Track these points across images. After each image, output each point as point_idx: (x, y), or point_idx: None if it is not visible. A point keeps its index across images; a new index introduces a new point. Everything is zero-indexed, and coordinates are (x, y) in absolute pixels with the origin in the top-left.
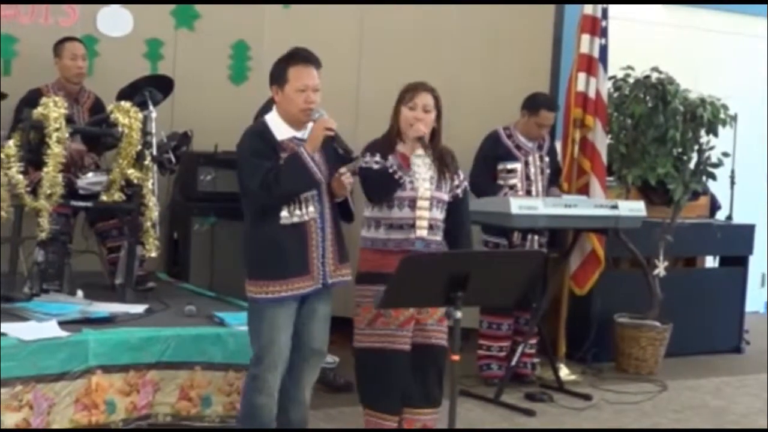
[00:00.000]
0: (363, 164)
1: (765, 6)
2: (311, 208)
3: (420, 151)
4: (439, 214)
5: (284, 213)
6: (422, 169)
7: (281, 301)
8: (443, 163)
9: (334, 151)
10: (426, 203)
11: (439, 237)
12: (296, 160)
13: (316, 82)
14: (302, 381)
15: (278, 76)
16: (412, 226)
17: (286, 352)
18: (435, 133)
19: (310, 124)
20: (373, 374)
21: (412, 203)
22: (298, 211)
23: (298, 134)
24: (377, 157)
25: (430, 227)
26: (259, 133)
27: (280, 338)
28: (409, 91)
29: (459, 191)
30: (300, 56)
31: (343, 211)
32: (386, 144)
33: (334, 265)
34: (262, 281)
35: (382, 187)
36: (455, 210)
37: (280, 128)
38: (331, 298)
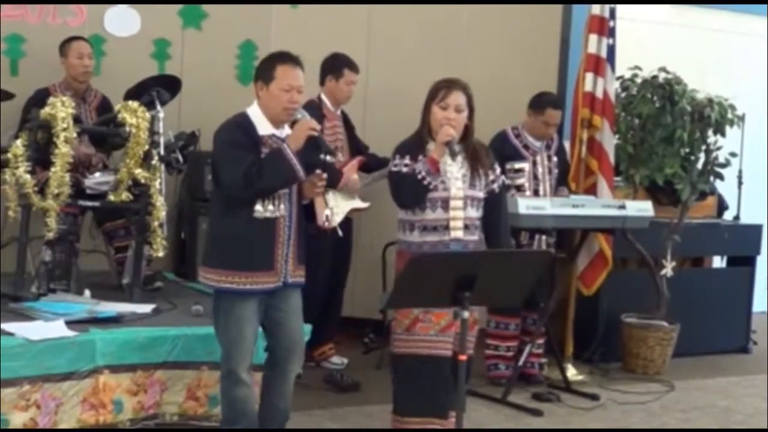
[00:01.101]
0: (393, 168)
1: (766, 6)
2: (282, 206)
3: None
4: (475, 213)
5: (258, 207)
6: (454, 168)
7: (247, 295)
8: (476, 159)
9: (309, 153)
10: (459, 203)
11: (476, 236)
12: (280, 156)
13: (301, 84)
14: (288, 374)
15: (264, 72)
16: (447, 228)
17: (252, 345)
18: (467, 131)
19: (287, 124)
20: (416, 381)
21: (445, 204)
22: (271, 207)
23: (277, 132)
24: (407, 160)
25: (466, 227)
26: (241, 125)
27: (247, 332)
28: (442, 89)
29: (495, 186)
30: (289, 56)
31: (307, 214)
32: (417, 144)
33: (293, 265)
34: (225, 270)
35: (411, 192)
36: (492, 206)
37: (261, 123)
38: (300, 292)
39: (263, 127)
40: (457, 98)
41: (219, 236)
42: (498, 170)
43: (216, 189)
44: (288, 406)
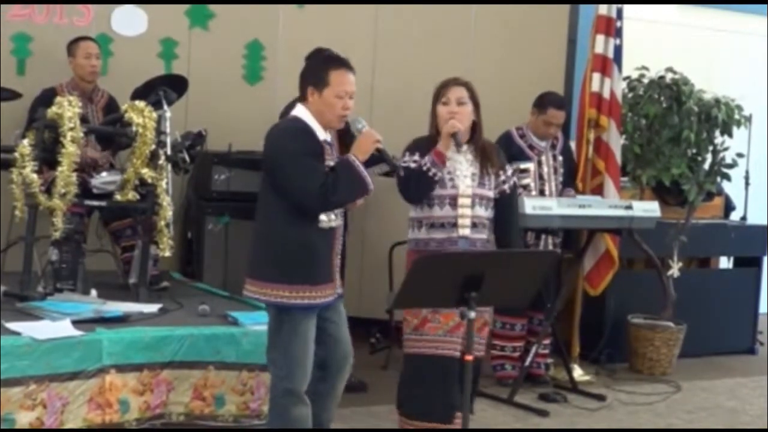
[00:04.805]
0: (402, 164)
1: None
2: (339, 215)
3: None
4: (484, 212)
5: (323, 217)
6: (463, 165)
7: (313, 309)
8: (486, 158)
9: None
10: (467, 201)
11: (484, 235)
12: (352, 169)
13: (354, 89)
14: (338, 388)
15: (317, 77)
16: (454, 225)
17: (312, 362)
18: (475, 126)
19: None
20: (423, 381)
21: (453, 201)
22: (333, 216)
23: (327, 137)
24: (416, 156)
25: (474, 225)
26: (304, 131)
27: (310, 351)
28: (442, 88)
29: (506, 187)
30: (341, 61)
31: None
32: (428, 143)
33: (339, 274)
34: (292, 286)
35: (418, 186)
36: (503, 206)
37: (317, 129)
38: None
39: (319, 133)
40: (457, 92)
41: (282, 248)
42: (509, 171)
43: (277, 199)
44: (332, 417)
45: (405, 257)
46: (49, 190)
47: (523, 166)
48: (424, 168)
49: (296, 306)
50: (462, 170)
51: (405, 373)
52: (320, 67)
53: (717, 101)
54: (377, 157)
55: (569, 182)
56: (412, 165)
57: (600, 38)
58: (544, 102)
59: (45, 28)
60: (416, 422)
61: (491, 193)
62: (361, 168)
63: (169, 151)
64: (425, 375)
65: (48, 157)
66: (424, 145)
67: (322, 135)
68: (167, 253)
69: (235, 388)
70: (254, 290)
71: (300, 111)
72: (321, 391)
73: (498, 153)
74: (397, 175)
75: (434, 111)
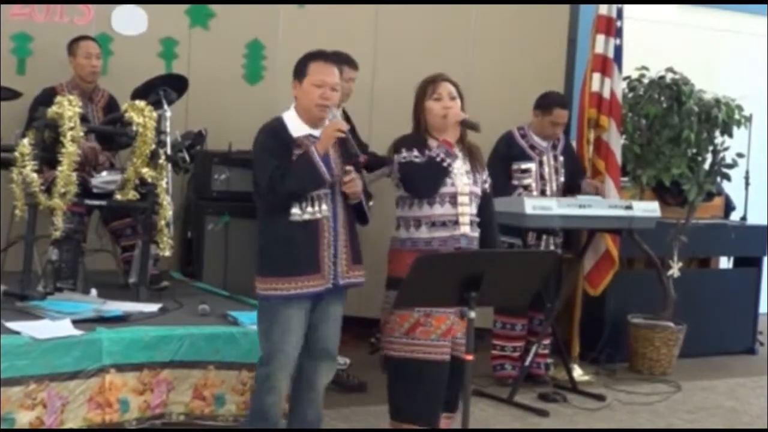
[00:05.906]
0: (402, 160)
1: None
2: (324, 207)
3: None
4: (475, 210)
5: (295, 210)
6: (458, 163)
7: (292, 300)
8: (473, 155)
9: (348, 152)
10: (466, 198)
11: (477, 233)
12: (305, 159)
13: (336, 81)
14: (316, 383)
15: (299, 70)
16: (456, 223)
17: (295, 352)
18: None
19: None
20: (413, 385)
21: (453, 199)
22: (310, 209)
23: (315, 132)
24: (415, 152)
25: (471, 223)
26: (273, 129)
27: (291, 338)
28: (430, 84)
29: (486, 186)
30: (323, 54)
31: (358, 214)
32: (417, 141)
33: (347, 266)
34: (271, 278)
35: (430, 177)
36: (485, 205)
37: (296, 125)
38: (344, 299)
39: (298, 128)
40: (447, 87)
41: (263, 243)
42: (486, 171)
43: (255, 196)
44: (320, 416)
45: (390, 258)
46: (49, 190)
47: (524, 166)
48: (438, 159)
49: (273, 296)
50: (458, 167)
51: (394, 378)
52: (303, 61)
53: (717, 101)
54: (378, 161)
55: (576, 178)
56: (417, 160)
57: (600, 38)
58: (548, 103)
59: (45, 27)
60: (408, 425)
61: (479, 191)
62: (316, 158)
63: (169, 151)
64: (417, 379)
65: (48, 157)
66: (415, 142)
67: (303, 131)
68: (167, 253)
69: (235, 387)
70: (256, 285)
71: (285, 111)
72: (298, 384)
73: (480, 152)
74: (402, 172)
75: (420, 108)
